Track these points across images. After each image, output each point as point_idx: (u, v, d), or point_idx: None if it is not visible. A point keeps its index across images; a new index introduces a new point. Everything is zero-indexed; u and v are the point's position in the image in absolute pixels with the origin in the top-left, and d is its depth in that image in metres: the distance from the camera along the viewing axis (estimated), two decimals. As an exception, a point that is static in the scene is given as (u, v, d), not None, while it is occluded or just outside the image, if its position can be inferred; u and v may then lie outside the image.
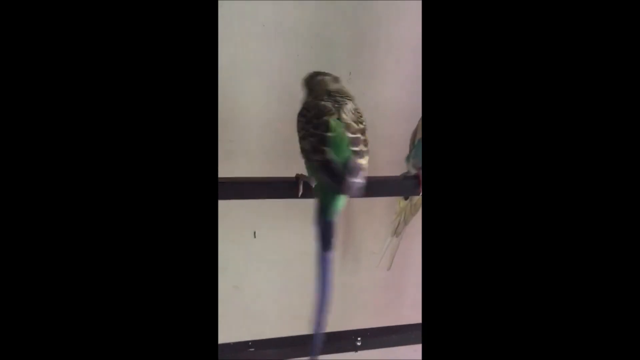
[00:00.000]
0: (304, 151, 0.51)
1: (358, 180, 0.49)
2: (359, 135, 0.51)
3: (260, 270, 0.79)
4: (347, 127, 0.51)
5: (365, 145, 0.52)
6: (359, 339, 0.65)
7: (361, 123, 0.53)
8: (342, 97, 0.53)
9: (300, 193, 0.53)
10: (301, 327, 0.80)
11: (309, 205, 0.77)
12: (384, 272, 0.81)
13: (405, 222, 0.75)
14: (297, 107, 0.55)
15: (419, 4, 0.51)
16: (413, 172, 0.63)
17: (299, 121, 0.53)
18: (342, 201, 0.50)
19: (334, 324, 0.84)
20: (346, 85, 0.74)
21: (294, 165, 0.57)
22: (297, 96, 0.57)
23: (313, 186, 0.54)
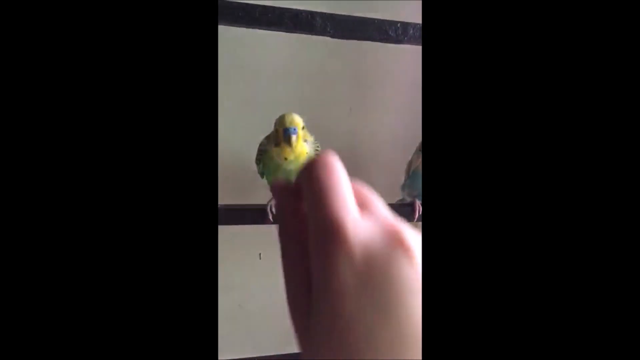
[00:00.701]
0: None
1: None
2: None
3: (265, 290, 0.83)
4: None
5: None
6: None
7: None
8: None
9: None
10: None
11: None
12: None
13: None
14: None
15: (413, 47, 0.57)
16: (408, 200, 0.68)
17: None
18: None
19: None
20: (348, 119, 0.80)
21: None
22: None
23: None
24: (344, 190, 0.17)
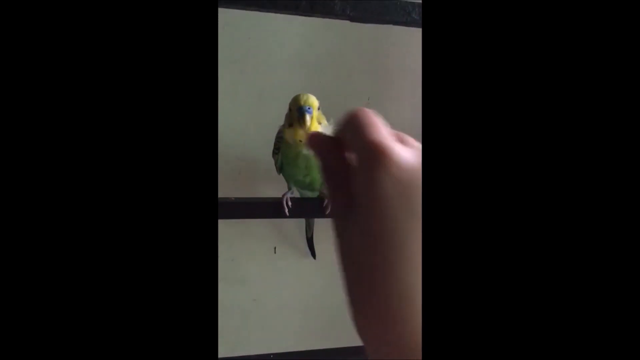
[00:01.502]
0: None
1: None
2: None
3: (281, 284, 0.81)
4: None
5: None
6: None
7: None
8: None
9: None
10: (320, 340, 0.81)
11: (329, 221, 0.80)
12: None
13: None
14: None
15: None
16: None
17: None
18: None
19: (353, 337, 0.85)
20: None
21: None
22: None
23: None
24: (384, 126, 0.21)
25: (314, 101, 0.52)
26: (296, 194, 0.61)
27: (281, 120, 0.57)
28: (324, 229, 0.79)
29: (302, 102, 0.51)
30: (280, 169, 0.60)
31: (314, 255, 0.76)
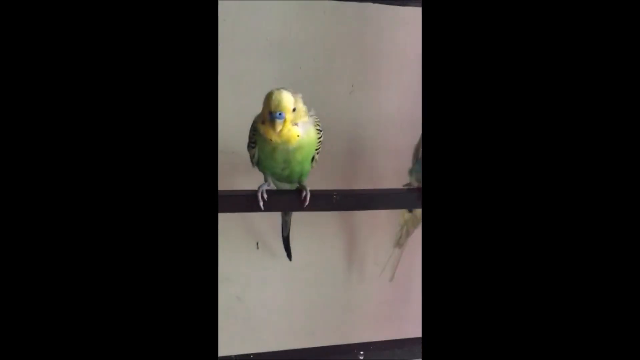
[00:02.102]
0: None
1: None
2: None
3: (264, 281, 0.79)
4: None
5: None
6: (361, 352, 0.65)
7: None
8: None
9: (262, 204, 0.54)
10: (305, 340, 0.79)
11: (312, 217, 0.77)
12: (388, 284, 0.80)
13: (408, 233, 0.75)
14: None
15: (420, 13, 0.51)
16: (415, 184, 0.63)
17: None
18: None
19: (337, 336, 0.83)
20: (349, 97, 0.74)
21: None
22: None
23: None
24: None
25: (287, 103, 0.49)
26: (273, 187, 0.57)
27: (257, 110, 0.54)
28: (313, 226, 0.76)
29: (272, 107, 0.48)
30: (256, 162, 0.56)
31: (289, 256, 0.72)
